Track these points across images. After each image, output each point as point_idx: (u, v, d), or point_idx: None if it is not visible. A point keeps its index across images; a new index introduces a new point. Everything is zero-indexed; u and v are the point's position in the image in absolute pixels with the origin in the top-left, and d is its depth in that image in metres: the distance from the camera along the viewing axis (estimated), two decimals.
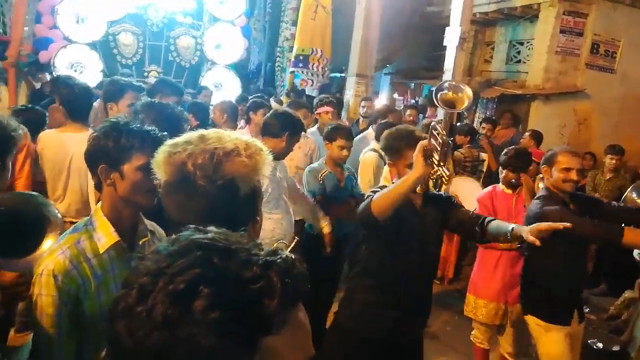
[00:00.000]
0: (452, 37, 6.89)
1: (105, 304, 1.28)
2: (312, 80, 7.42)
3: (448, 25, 7.11)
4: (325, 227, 3.11)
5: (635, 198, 3.34)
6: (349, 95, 7.62)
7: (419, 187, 2.06)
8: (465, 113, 8.80)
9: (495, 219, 2.27)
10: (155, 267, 0.60)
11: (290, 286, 0.61)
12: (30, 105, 4.06)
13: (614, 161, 5.26)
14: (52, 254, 1.30)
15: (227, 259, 0.60)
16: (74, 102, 2.83)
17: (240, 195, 0.96)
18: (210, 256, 0.59)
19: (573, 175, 2.56)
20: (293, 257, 0.66)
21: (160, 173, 0.98)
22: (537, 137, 5.69)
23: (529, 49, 7.94)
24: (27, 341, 1.36)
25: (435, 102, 2.98)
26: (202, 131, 1.02)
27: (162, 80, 3.58)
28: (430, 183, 2.07)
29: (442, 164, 1.83)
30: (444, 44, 7.12)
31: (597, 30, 7.39)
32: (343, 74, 9.26)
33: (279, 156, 2.65)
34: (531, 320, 2.75)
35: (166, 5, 7.84)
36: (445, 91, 2.39)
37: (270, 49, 10.30)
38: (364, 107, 5.87)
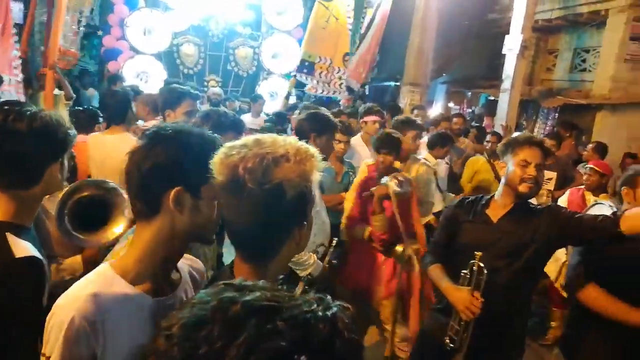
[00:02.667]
0: (512, 44, 6.70)
1: None
2: (318, 88, 7.44)
3: (508, 32, 6.93)
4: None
5: None
6: (403, 104, 7.56)
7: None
8: (524, 123, 8.51)
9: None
10: (205, 348, 0.50)
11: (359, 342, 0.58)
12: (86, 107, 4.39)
13: None
14: None
15: (293, 322, 0.52)
16: (109, 107, 3.14)
17: (287, 200, 1.00)
18: (277, 321, 0.52)
19: None
20: (345, 305, 0.59)
21: (217, 174, 1.03)
22: (601, 150, 5.41)
23: (595, 57, 7.58)
24: None
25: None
26: (258, 135, 1.06)
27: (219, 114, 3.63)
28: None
29: None
30: (504, 52, 6.93)
31: None
32: (398, 83, 9.21)
33: None
34: None
35: (227, 17, 8.15)
36: None
37: None
38: (416, 116, 5.81)
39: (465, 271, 2.05)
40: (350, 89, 7.22)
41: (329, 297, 0.58)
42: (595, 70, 7.50)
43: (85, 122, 3.73)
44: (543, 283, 4.73)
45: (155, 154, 1.04)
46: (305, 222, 1.09)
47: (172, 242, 1.07)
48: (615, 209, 3.56)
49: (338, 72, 7.39)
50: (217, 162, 1.02)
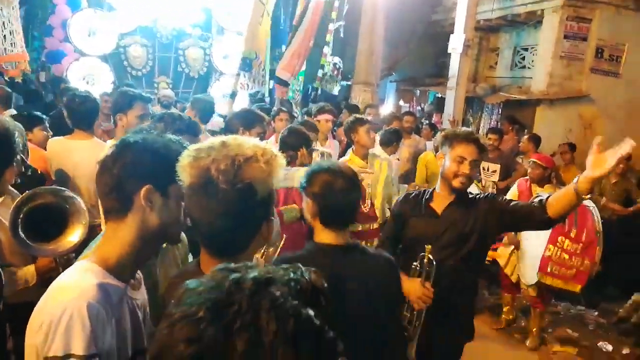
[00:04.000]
0: (456, 44, 6.98)
1: None
2: (248, 85, 7.49)
3: (452, 32, 7.20)
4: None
5: None
6: (355, 103, 7.71)
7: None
8: (470, 118, 8.86)
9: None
10: (239, 320, 0.56)
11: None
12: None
13: (621, 165, 5.27)
14: None
15: (293, 287, 0.61)
16: (78, 112, 3.03)
17: (257, 198, 1.05)
18: (281, 288, 0.60)
19: None
20: (311, 270, 0.68)
21: (185, 176, 1.06)
22: (536, 140, 5.75)
23: (534, 54, 8.00)
24: None
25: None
26: (223, 137, 1.11)
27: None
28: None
29: None
30: (449, 51, 7.20)
31: (601, 35, 7.44)
32: (349, 82, 9.36)
33: None
34: None
35: (176, 18, 7.99)
36: None
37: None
38: (368, 114, 5.95)
39: (415, 263, 2.16)
40: (283, 81, 7.15)
41: (297, 264, 0.68)
42: (533, 67, 7.92)
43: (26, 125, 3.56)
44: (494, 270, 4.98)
45: (125, 155, 1.09)
46: (272, 218, 1.15)
47: (145, 238, 1.11)
48: None
49: (263, 69, 7.44)
50: (185, 164, 1.06)
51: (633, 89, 7.66)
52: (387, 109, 10.79)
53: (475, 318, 4.56)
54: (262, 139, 3.01)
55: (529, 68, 8.14)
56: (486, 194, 2.39)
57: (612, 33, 7.48)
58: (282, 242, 2.63)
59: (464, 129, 2.39)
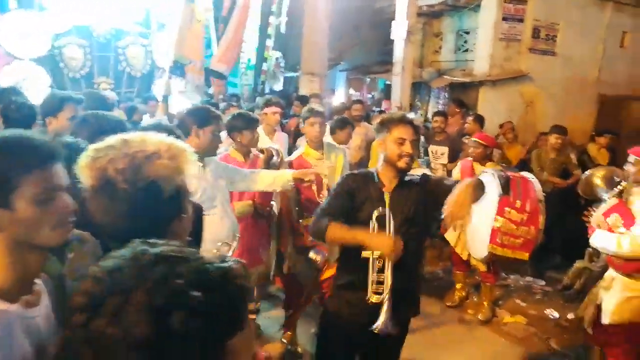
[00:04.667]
0: (399, 30, 7.05)
1: None
2: (187, 91, 7.35)
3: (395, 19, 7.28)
4: (289, 175, 3.05)
5: (597, 183, 3.53)
6: (303, 93, 7.70)
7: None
8: (419, 104, 9.02)
9: None
10: (119, 286, 0.59)
11: (249, 288, 0.68)
12: None
13: (559, 141, 5.49)
14: None
15: (193, 269, 0.63)
16: (14, 119, 2.87)
17: (163, 196, 1.02)
18: (180, 267, 0.62)
19: None
20: (238, 261, 0.71)
21: (84, 178, 1.02)
22: (480, 120, 5.91)
23: (475, 37, 8.19)
24: None
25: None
26: (125, 135, 1.06)
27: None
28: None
29: None
30: (392, 37, 7.28)
31: (537, 16, 7.70)
32: (297, 73, 9.33)
33: (207, 153, 2.63)
34: None
35: (112, 16, 7.71)
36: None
37: None
38: (312, 104, 5.95)
39: (372, 222, 2.19)
40: (219, 74, 7.00)
41: (231, 258, 0.71)
42: (475, 50, 8.11)
43: None
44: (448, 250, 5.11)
45: None
46: (183, 215, 1.12)
47: (13, 252, 0.98)
48: (497, 174, 3.95)
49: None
50: (84, 165, 1.01)
51: (569, 66, 7.99)
52: (338, 98, 10.84)
53: (429, 296, 4.71)
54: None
55: (471, 51, 8.34)
56: (420, 174, 2.44)
57: (546, 13, 7.75)
58: (236, 242, 2.59)
59: (398, 112, 2.46)
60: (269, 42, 7.95)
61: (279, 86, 9.11)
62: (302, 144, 4.09)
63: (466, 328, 4.29)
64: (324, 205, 2.34)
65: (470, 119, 5.99)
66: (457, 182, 2.30)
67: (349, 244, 2.18)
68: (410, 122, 2.31)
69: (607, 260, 3.15)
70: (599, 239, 3.06)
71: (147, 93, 7.53)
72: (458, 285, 4.76)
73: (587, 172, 3.73)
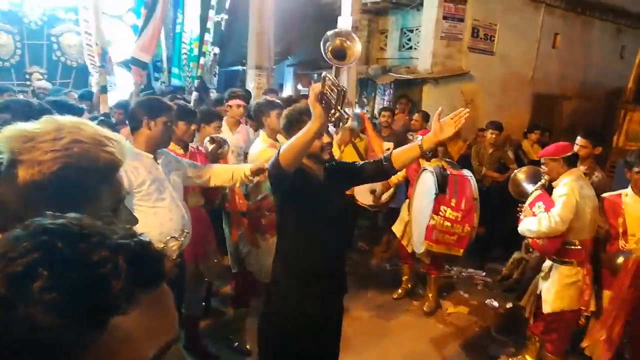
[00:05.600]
0: (344, 26, 7.08)
1: None
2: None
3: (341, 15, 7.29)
4: (247, 169, 2.96)
5: (521, 180, 3.73)
6: (250, 88, 7.59)
7: (326, 154, 2.32)
8: (365, 100, 9.13)
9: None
10: None
11: (140, 268, 0.63)
12: None
13: (494, 136, 5.75)
14: None
15: (74, 243, 0.61)
16: None
17: (74, 183, 0.97)
18: (54, 240, 0.60)
19: None
20: (148, 240, 0.68)
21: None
22: (426, 117, 6.09)
23: (418, 35, 8.38)
24: None
25: (325, 57, 3.15)
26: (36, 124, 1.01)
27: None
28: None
29: (339, 106, 1.78)
30: None
31: (476, 16, 8.00)
32: (244, 67, 9.18)
33: (158, 145, 2.55)
34: None
35: (44, 1, 7.26)
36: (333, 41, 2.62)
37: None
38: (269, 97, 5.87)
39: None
40: (142, 63, 6.73)
41: (142, 237, 0.67)
42: (418, 48, 8.31)
43: None
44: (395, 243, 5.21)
45: None
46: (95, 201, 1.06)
47: None
48: (435, 173, 4.08)
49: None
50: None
51: (506, 66, 8.37)
52: (286, 93, 10.78)
53: (375, 289, 4.79)
54: None
55: (415, 49, 8.53)
56: (327, 164, 2.46)
57: (484, 14, 8.07)
58: (185, 238, 2.52)
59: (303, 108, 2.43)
60: (208, 37, 7.76)
61: (214, 82, 8.95)
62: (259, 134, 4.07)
63: (411, 320, 4.41)
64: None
65: (417, 115, 6.16)
66: (372, 163, 2.49)
67: (305, 145, 2.00)
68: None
69: (531, 245, 3.34)
70: (523, 224, 3.26)
71: (85, 85, 7.16)
72: (404, 278, 4.88)
73: (512, 174, 3.96)
